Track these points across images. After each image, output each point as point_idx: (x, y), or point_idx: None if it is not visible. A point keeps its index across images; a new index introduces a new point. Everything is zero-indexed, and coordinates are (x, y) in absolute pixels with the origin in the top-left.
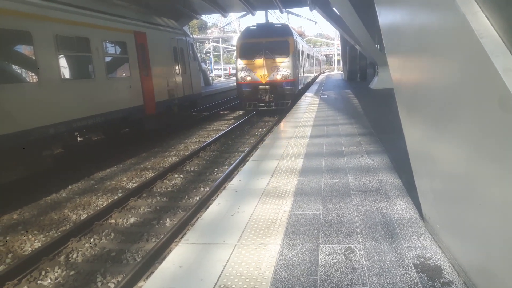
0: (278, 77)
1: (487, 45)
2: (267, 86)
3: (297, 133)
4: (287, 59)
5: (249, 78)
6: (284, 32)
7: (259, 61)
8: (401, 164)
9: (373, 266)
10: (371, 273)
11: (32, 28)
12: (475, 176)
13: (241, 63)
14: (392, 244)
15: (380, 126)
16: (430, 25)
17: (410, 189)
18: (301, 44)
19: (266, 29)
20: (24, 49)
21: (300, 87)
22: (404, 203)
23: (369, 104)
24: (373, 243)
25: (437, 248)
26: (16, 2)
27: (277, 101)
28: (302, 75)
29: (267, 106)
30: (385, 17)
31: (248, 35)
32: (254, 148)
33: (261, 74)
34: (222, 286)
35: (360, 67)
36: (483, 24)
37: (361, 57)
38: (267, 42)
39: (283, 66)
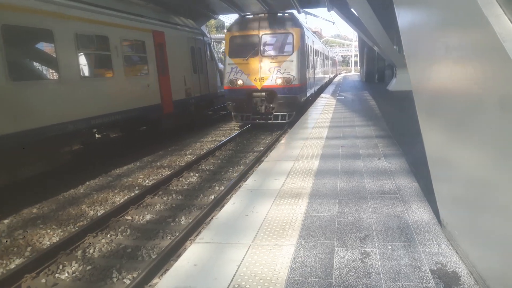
0: (279, 81)
1: (510, 49)
2: (263, 93)
3: (313, 134)
4: (291, 58)
5: (240, 82)
6: (287, 22)
7: (254, 60)
8: (419, 168)
9: (389, 270)
10: (387, 278)
11: (53, 27)
12: (497, 182)
13: (230, 62)
14: (408, 249)
15: (398, 128)
16: (451, 27)
17: (428, 194)
18: (312, 40)
19: (265, 19)
20: (46, 47)
21: (309, 94)
22: (422, 208)
23: (387, 106)
24: (389, 247)
25: (455, 255)
26: (39, 1)
27: (276, 113)
28: (312, 78)
29: (264, 119)
30: (405, 18)
31: (241, 25)
32: (269, 148)
33: (256, 77)
34: (236, 286)
35: (378, 69)
36: (506, 27)
37: (379, 58)
38: (265, 36)
39: (286, 67)
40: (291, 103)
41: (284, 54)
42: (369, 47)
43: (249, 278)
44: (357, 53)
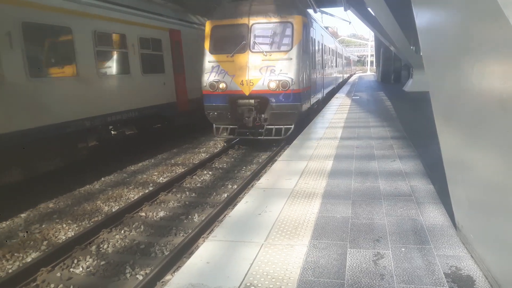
0: (272, 85)
1: None
2: (252, 101)
3: (327, 134)
4: (288, 55)
5: (222, 86)
6: (286, 8)
7: (241, 58)
8: (434, 170)
9: (402, 273)
10: (400, 280)
11: (72, 24)
12: None
13: (211, 59)
14: (422, 251)
15: (413, 130)
16: (471, 27)
17: (443, 196)
18: (321, 34)
19: (257, 3)
20: (64, 44)
21: (314, 101)
22: (436, 210)
23: (403, 107)
24: (403, 249)
25: (469, 258)
26: None
27: (269, 126)
28: (320, 80)
29: (253, 134)
30: (423, 18)
31: (226, 12)
32: (283, 148)
33: (243, 79)
34: (248, 284)
35: (394, 69)
36: None
37: (396, 59)
38: (256, 25)
39: (282, 67)
40: (289, 114)
41: (280, 49)
42: (386, 47)
43: (261, 277)
44: (373, 53)
